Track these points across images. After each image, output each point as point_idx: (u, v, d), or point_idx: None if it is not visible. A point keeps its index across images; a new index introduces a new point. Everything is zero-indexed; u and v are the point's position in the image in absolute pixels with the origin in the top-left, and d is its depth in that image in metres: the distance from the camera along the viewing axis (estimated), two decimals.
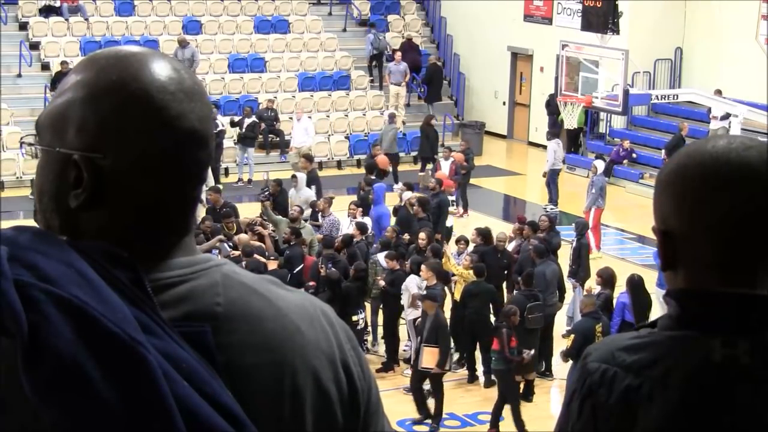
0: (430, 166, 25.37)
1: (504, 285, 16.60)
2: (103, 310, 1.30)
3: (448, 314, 15.64)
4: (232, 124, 25.68)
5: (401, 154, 27.82)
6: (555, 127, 26.96)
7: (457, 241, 17.25)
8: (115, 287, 1.36)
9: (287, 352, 1.56)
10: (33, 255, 1.34)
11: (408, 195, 19.37)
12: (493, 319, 15.62)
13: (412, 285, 15.26)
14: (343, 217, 18.96)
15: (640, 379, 1.72)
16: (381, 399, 1.72)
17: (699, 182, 1.73)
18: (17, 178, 23.74)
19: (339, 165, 27.75)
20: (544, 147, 26.47)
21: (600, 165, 21.75)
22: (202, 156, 1.57)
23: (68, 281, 1.31)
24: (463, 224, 21.41)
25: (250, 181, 25.27)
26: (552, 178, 24.40)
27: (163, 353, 1.32)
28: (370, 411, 1.67)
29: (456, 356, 15.81)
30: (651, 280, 15.76)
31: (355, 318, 15.19)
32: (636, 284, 14.61)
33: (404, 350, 16.08)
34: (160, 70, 1.55)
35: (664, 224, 1.78)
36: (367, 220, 18.61)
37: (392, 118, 27.22)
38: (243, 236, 16.89)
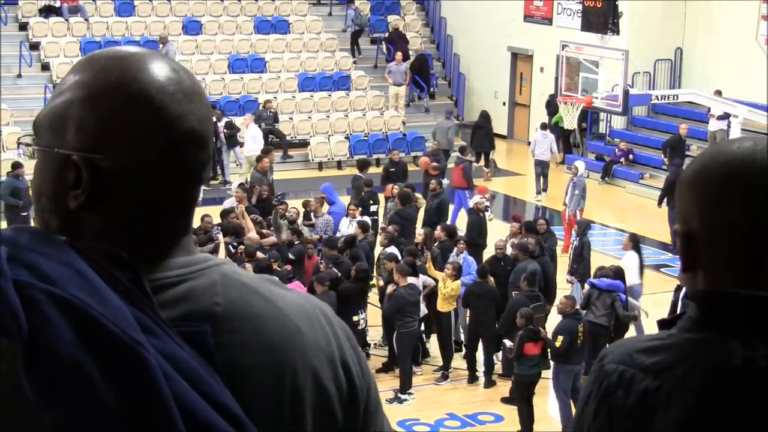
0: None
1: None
2: (102, 311, 1.30)
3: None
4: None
5: (401, 155, 27.87)
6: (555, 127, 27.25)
7: (457, 242, 17.25)
8: (114, 288, 1.36)
9: (287, 352, 1.56)
10: (33, 255, 1.34)
11: (477, 198, 19.32)
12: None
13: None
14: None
15: (658, 381, 1.71)
16: (380, 398, 1.72)
17: (722, 183, 1.71)
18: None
19: (339, 165, 27.74)
20: None
21: (580, 166, 21.68)
22: (202, 156, 1.58)
23: (68, 281, 1.31)
24: (462, 225, 21.40)
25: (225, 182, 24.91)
26: (535, 169, 25.49)
27: (162, 353, 1.32)
28: (369, 410, 1.67)
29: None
30: (650, 281, 15.79)
31: (355, 318, 15.18)
32: (621, 273, 15.34)
33: None
34: (159, 70, 1.55)
35: (685, 225, 1.76)
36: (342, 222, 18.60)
37: (449, 114, 27.71)
38: (253, 236, 16.82)
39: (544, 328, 14.80)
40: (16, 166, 19.64)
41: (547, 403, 14.70)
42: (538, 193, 25.63)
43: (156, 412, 1.28)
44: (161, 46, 27.35)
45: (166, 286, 1.51)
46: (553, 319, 16.28)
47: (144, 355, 1.29)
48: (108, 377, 1.26)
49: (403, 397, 14.94)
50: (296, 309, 1.61)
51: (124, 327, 1.30)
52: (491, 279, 15.62)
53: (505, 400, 14.74)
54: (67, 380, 1.26)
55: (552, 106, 27.41)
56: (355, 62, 31.09)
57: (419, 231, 17.24)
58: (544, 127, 26.09)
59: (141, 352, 1.29)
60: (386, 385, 15.20)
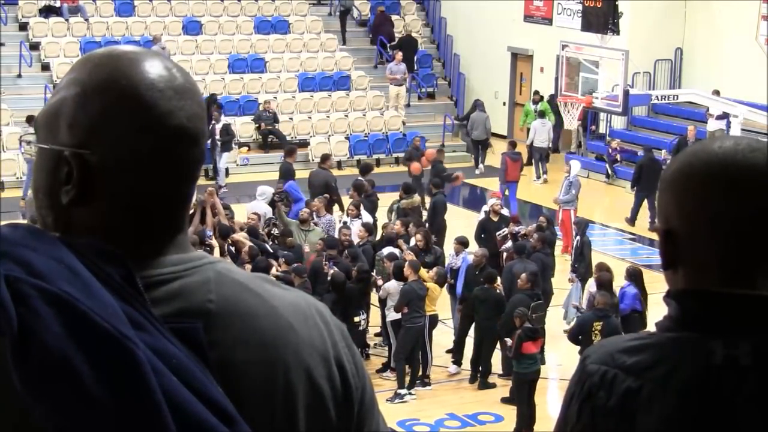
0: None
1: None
2: (92, 305, 1.30)
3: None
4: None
5: (402, 155, 28.00)
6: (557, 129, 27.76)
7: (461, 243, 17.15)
8: (105, 283, 1.36)
9: (280, 350, 1.56)
10: (24, 251, 1.35)
11: (492, 202, 19.25)
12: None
13: (393, 288, 15.23)
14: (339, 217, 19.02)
15: (640, 382, 1.71)
16: (376, 397, 1.72)
17: (703, 182, 1.71)
18: (17, 178, 23.73)
19: (339, 165, 27.70)
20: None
21: (575, 165, 21.72)
22: (192, 154, 1.58)
23: (58, 277, 1.32)
24: (466, 225, 21.43)
25: (220, 187, 24.51)
26: (533, 155, 26.96)
27: (152, 348, 1.32)
28: (364, 409, 1.67)
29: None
30: (650, 281, 15.79)
31: (356, 319, 15.17)
32: (637, 274, 15.31)
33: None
34: (151, 68, 1.56)
35: (666, 223, 1.76)
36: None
37: (482, 105, 28.64)
38: (239, 236, 16.73)
39: (543, 327, 14.84)
40: None
41: (546, 403, 14.71)
42: (539, 177, 26.85)
43: (144, 406, 1.28)
44: (155, 45, 27.36)
45: (159, 283, 1.52)
46: (550, 318, 16.33)
47: (133, 350, 1.29)
48: (97, 371, 1.27)
49: (402, 392, 14.89)
50: (290, 307, 1.61)
51: (113, 322, 1.30)
52: (499, 285, 15.58)
53: (505, 400, 14.75)
54: (57, 374, 1.26)
55: (552, 106, 27.50)
56: (344, 43, 31.41)
57: (417, 236, 17.13)
58: (542, 115, 27.40)
59: (130, 346, 1.29)
60: (386, 385, 15.22)
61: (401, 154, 27.95)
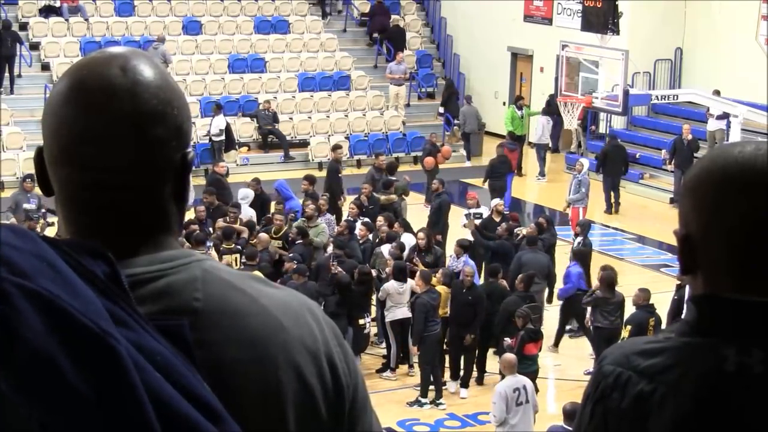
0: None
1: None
2: (73, 303, 1.30)
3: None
4: None
5: (402, 154, 28.01)
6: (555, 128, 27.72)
7: (464, 247, 17.11)
8: (89, 281, 1.35)
9: (269, 348, 1.55)
10: (7, 250, 1.34)
11: (495, 202, 19.24)
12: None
13: (392, 288, 15.19)
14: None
15: (653, 385, 1.70)
16: (369, 396, 1.72)
17: (721, 186, 1.70)
18: (17, 178, 23.69)
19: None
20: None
21: (585, 163, 21.81)
22: (175, 150, 1.58)
23: (40, 275, 1.31)
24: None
25: None
26: (537, 152, 27.41)
27: (136, 345, 1.32)
28: (356, 407, 1.66)
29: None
30: (650, 281, 15.81)
31: (361, 321, 15.13)
32: (584, 255, 16.08)
33: None
34: (132, 70, 1.56)
35: (685, 227, 1.76)
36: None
37: (469, 99, 29.14)
38: (264, 236, 16.73)
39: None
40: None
41: (546, 402, 14.69)
42: (542, 174, 27.28)
43: (127, 401, 1.27)
44: (158, 44, 27.38)
45: (145, 281, 1.52)
46: (547, 319, 16.28)
47: (113, 345, 1.28)
48: (79, 367, 1.26)
49: (423, 401, 14.82)
50: (280, 305, 1.60)
51: (95, 319, 1.30)
52: (502, 280, 15.55)
53: None
54: (39, 371, 1.26)
55: (552, 106, 27.52)
56: (325, 17, 31.95)
57: (419, 235, 17.11)
58: (545, 112, 27.77)
59: (111, 342, 1.28)
60: (387, 385, 15.22)
61: (401, 154, 27.97)
